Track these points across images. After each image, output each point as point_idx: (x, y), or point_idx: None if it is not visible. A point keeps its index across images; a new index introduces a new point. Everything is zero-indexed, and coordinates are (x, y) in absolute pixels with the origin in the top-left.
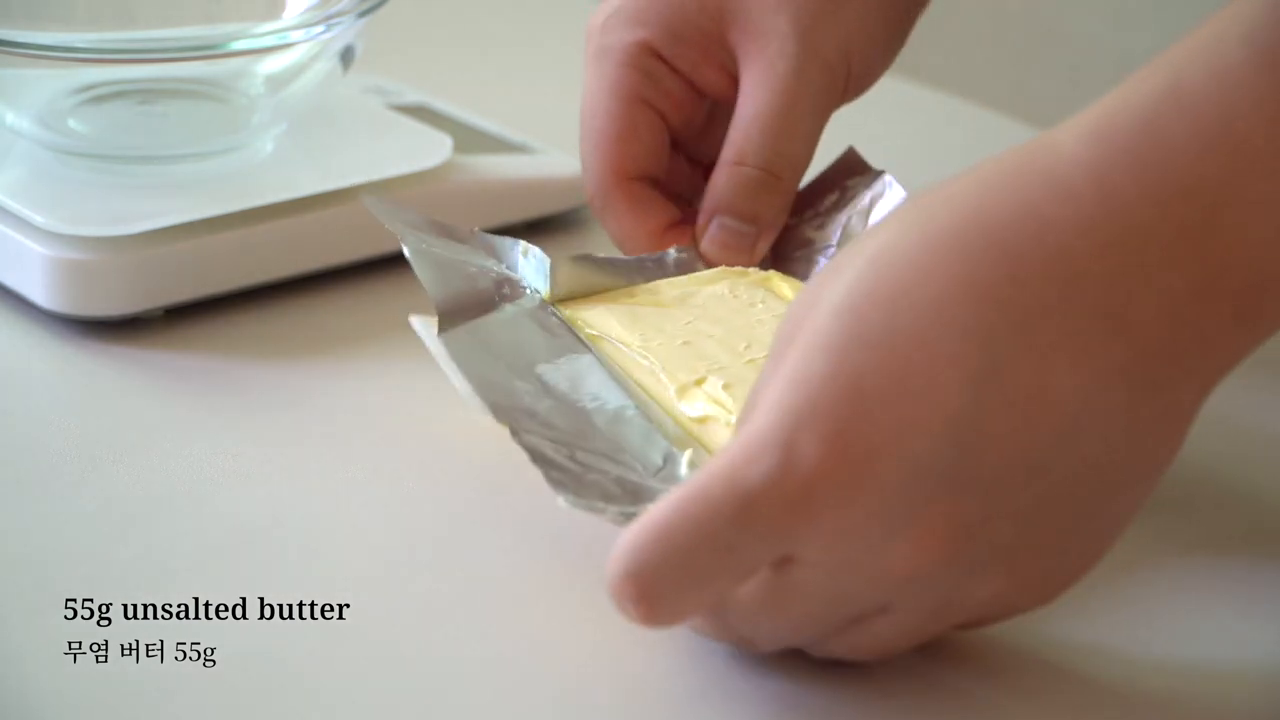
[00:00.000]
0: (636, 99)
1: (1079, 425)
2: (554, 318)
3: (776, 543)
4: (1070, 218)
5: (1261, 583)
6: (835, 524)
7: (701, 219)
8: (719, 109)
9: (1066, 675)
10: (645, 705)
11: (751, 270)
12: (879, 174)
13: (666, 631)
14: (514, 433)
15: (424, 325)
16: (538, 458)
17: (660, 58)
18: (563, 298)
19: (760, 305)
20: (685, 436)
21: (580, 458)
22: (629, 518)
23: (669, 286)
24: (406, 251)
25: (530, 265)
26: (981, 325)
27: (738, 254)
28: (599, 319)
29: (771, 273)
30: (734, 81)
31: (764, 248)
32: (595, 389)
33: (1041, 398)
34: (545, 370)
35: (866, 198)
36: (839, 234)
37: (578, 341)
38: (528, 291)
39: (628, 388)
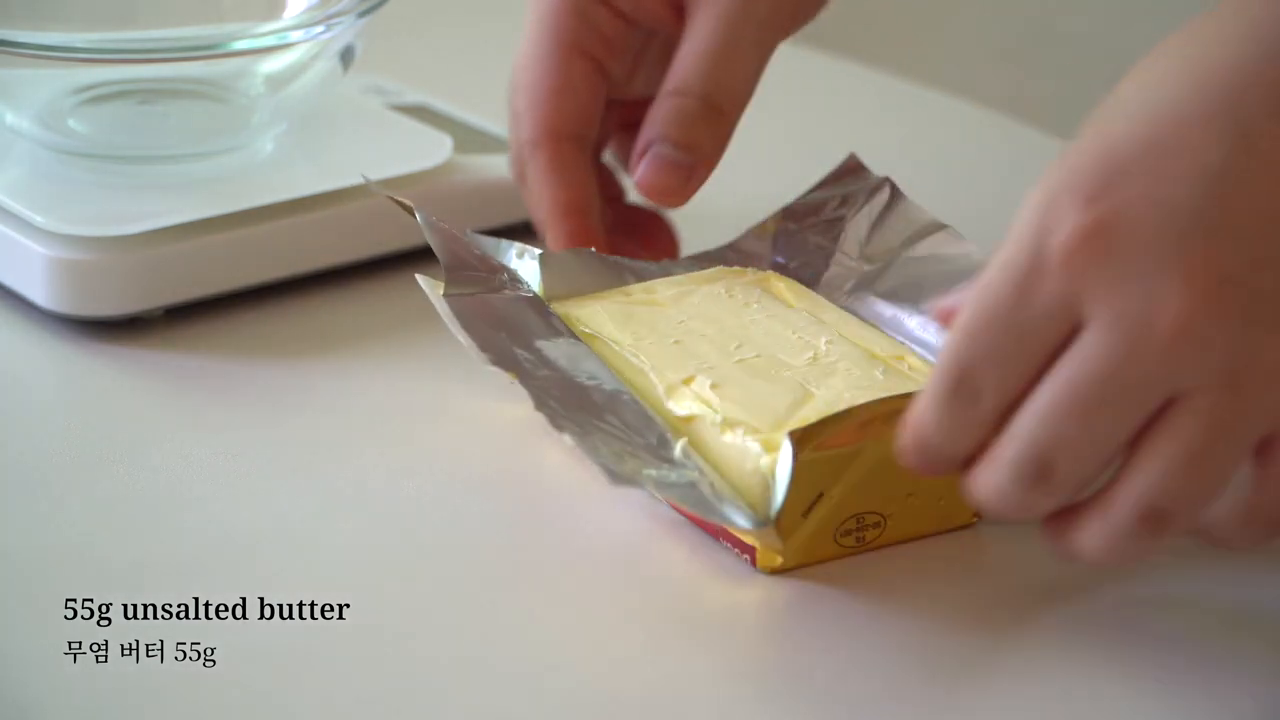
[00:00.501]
0: (574, 49)
1: None
2: (551, 315)
3: (1055, 310)
4: None
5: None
6: (1100, 277)
7: (639, 147)
8: (649, 49)
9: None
10: (646, 705)
11: (749, 270)
12: (881, 180)
13: (665, 632)
14: (521, 377)
15: (430, 285)
16: (542, 403)
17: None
18: (558, 296)
19: (755, 305)
20: (680, 430)
21: (579, 418)
22: (616, 477)
23: (665, 286)
24: (419, 219)
25: (525, 266)
26: (1234, 93)
27: (673, 183)
28: (593, 318)
29: (769, 273)
30: (676, 11)
31: (699, 181)
32: (592, 370)
33: None
34: (544, 345)
35: (869, 203)
36: (843, 239)
37: (574, 337)
38: (524, 288)
39: (623, 380)
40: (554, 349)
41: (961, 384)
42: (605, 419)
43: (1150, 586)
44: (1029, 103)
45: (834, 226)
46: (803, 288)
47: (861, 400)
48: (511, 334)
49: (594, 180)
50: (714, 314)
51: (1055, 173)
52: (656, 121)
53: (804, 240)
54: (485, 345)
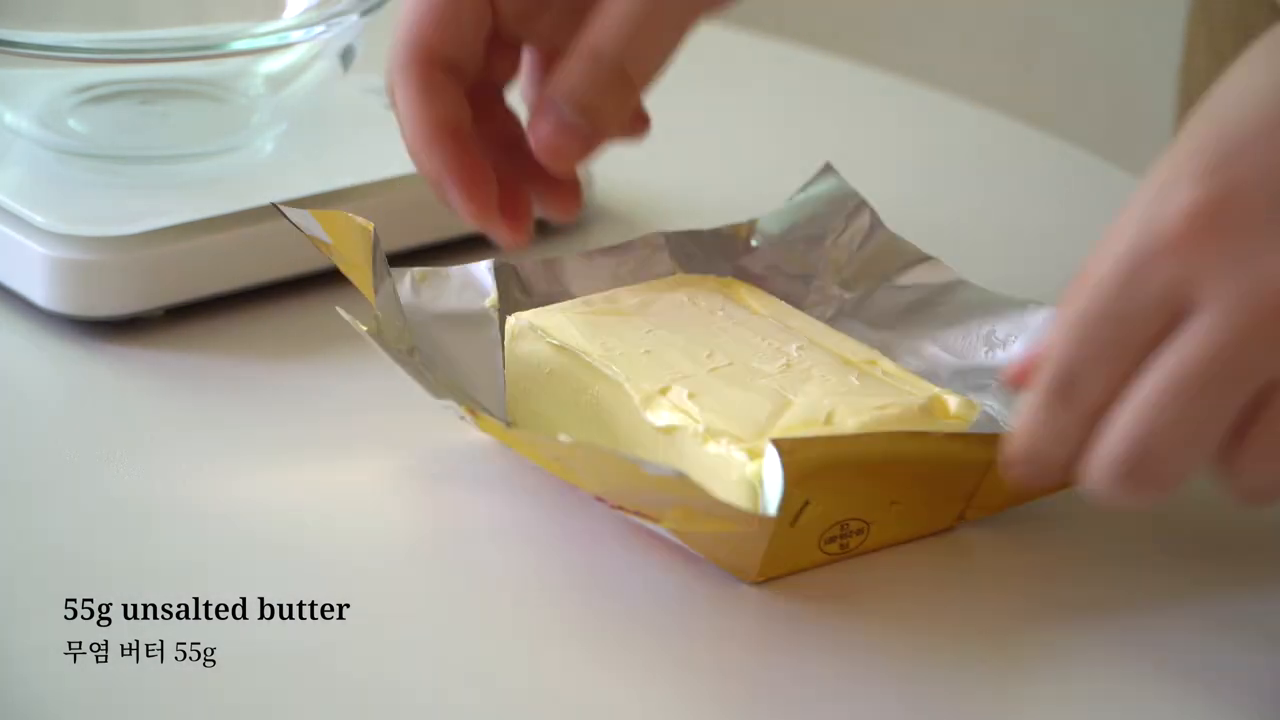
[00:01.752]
0: None
1: None
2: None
3: (1166, 295)
4: None
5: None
6: (1215, 256)
7: (541, 101)
8: None
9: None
10: (646, 704)
11: (708, 277)
12: (859, 203)
13: (665, 633)
14: (463, 405)
15: (351, 317)
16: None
17: None
18: (515, 306)
19: (721, 313)
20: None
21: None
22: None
23: (627, 294)
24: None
25: (491, 277)
26: (1224, 167)
27: (567, 147)
28: (559, 329)
29: (730, 279)
30: None
31: (593, 150)
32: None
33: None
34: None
35: (848, 229)
36: (821, 266)
37: (474, 400)
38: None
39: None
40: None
41: (1070, 386)
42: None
43: (1140, 587)
44: (1029, 103)
45: (811, 249)
46: (765, 294)
47: (841, 408)
48: (447, 370)
49: (466, 107)
50: (680, 322)
51: (1163, 162)
52: (563, 80)
53: (778, 258)
54: (423, 380)
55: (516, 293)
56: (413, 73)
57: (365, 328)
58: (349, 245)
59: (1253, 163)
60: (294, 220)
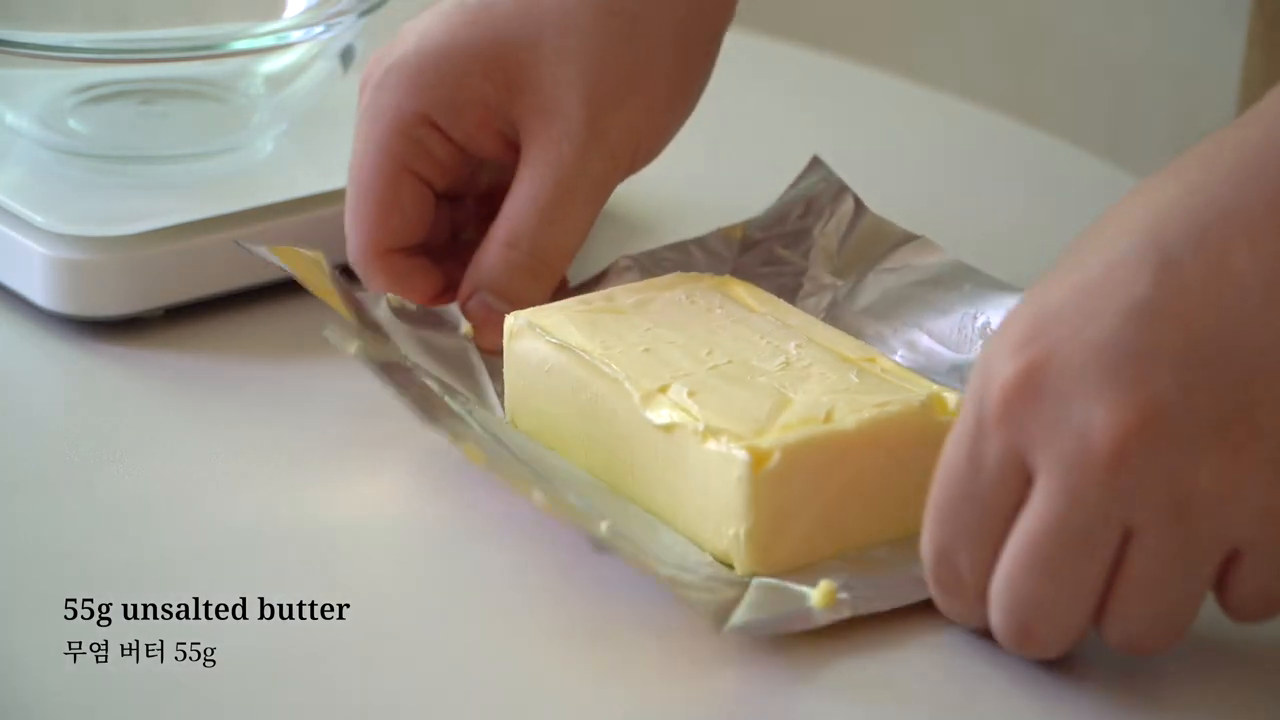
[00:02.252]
0: (403, 169)
1: (1265, 302)
2: (430, 392)
3: (1005, 468)
4: (1245, 138)
5: None
6: (1036, 422)
7: (465, 289)
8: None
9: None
10: (645, 704)
11: (705, 276)
12: (841, 187)
13: (664, 632)
14: (456, 437)
15: (339, 338)
16: (487, 448)
17: (434, 126)
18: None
19: (719, 311)
20: (602, 514)
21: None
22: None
23: (624, 293)
24: (327, 269)
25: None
26: (1156, 227)
27: (494, 327)
28: (558, 328)
29: (727, 277)
30: (511, 147)
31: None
32: (516, 437)
33: (1221, 279)
34: (462, 412)
35: (834, 215)
36: (813, 254)
37: (461, 420)
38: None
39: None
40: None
41: (943, 570)
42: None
43: None
44: (1029, 103)
45: (801, 240)
46: (762, 291)
47: (841, 406)
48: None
49: (436, 275)
50: (679, 320)
51: (991, 340)
52: (483, 269)
53: (770, 252)
54: (420, 411)
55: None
56: (377, 267)
57: (352, 349)
58: (312, 275)
59: (1062, 328)
60: (256, 255)
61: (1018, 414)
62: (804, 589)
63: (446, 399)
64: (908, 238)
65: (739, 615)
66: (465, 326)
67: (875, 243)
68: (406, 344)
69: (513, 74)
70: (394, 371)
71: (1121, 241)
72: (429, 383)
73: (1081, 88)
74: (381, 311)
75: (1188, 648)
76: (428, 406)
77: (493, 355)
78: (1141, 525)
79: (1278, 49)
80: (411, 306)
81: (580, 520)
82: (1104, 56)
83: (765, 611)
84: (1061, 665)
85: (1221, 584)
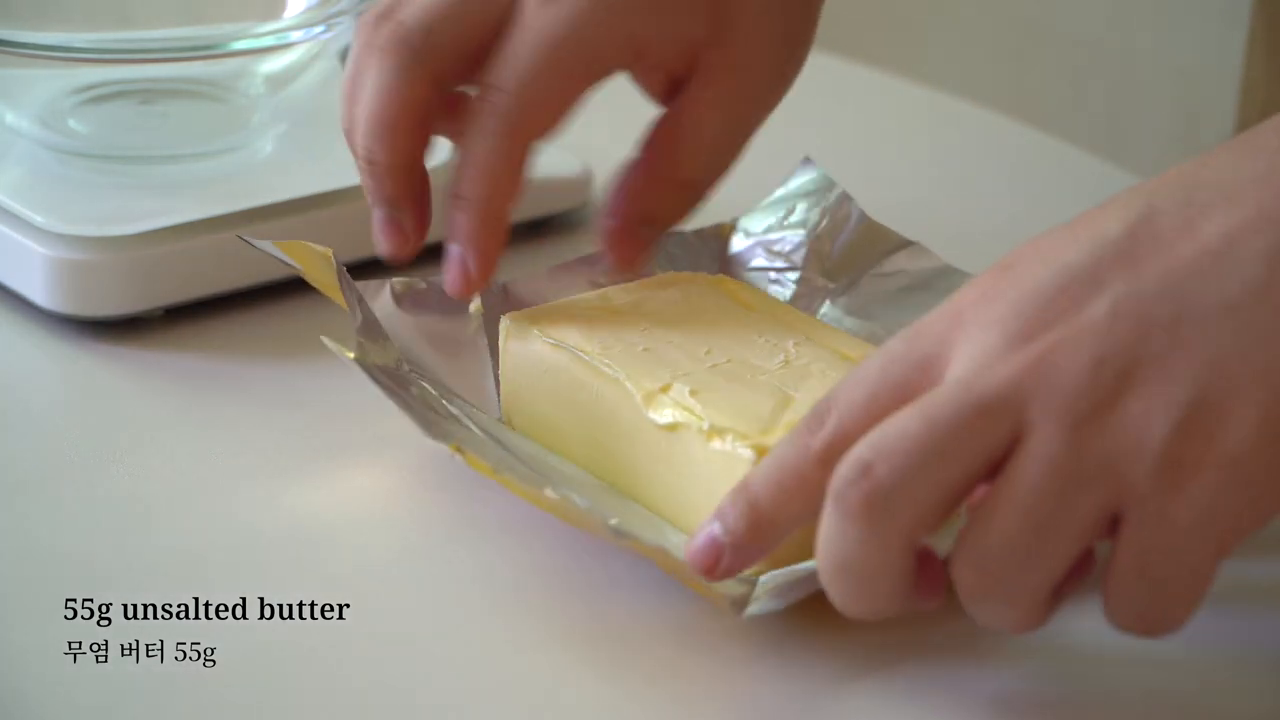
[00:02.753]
0: (582, 85)
1: (1220, 264)
2: (428, 393)
3: (938, 351)
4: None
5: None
6: (976, 323)
7: (627, 222)
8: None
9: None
10: (646, 704)
11: (699, 275)
12: (839, 194)
13: (665, 633)
14: (463, 443)
15: (337, 347)
16: (490, 455)
17: (638, 54)
18: (496, 311)
19: (715, 310)
20: (607, 514)
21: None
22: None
23: (620, 293)
24: (335, 268)
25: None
26: (1156, 187)
27: (644, 260)
28: (555, 327)
29: (722, 276)
30: (671, 81)
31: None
32: (499, 456)
33: (1189, 235)
34: (460, 414)
35: (829, 218)
36: (806, 258)
37: (460, 421)
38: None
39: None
40: (470, 420)
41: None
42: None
43: None
44: (1029, 103)
45: (793, 242)
46: (757, 290)
47: None
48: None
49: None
50: (675, 319)
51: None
52: (661, 207)
53: (760, 251)
54: (421, 420)
55: (497, 299)
56: (408, 200)
57: (351, 354)
58: (317, 271)
59: (1036, 252)
60: (261, 249)
61: (963, 322)
62: (810, 564)
63: (445, 403)
64: (903, 243)
65: (755, 605)
66: (475, 303)
67: (870, 247)
68: (407, 337)
69: (718, 8)
70: (392, 378)
71: (1119, 199)
72: (426, 385)
73: (1081, 88)
74: (382, 304)
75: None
76: (427, 415)
77: (630, 278)
78: (1033, 424)
79: (1278, 50)
80: (421, 285)
81: (590, 518)
82: (1104, 56)
83: (780, 596)
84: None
85: (1105, 569)
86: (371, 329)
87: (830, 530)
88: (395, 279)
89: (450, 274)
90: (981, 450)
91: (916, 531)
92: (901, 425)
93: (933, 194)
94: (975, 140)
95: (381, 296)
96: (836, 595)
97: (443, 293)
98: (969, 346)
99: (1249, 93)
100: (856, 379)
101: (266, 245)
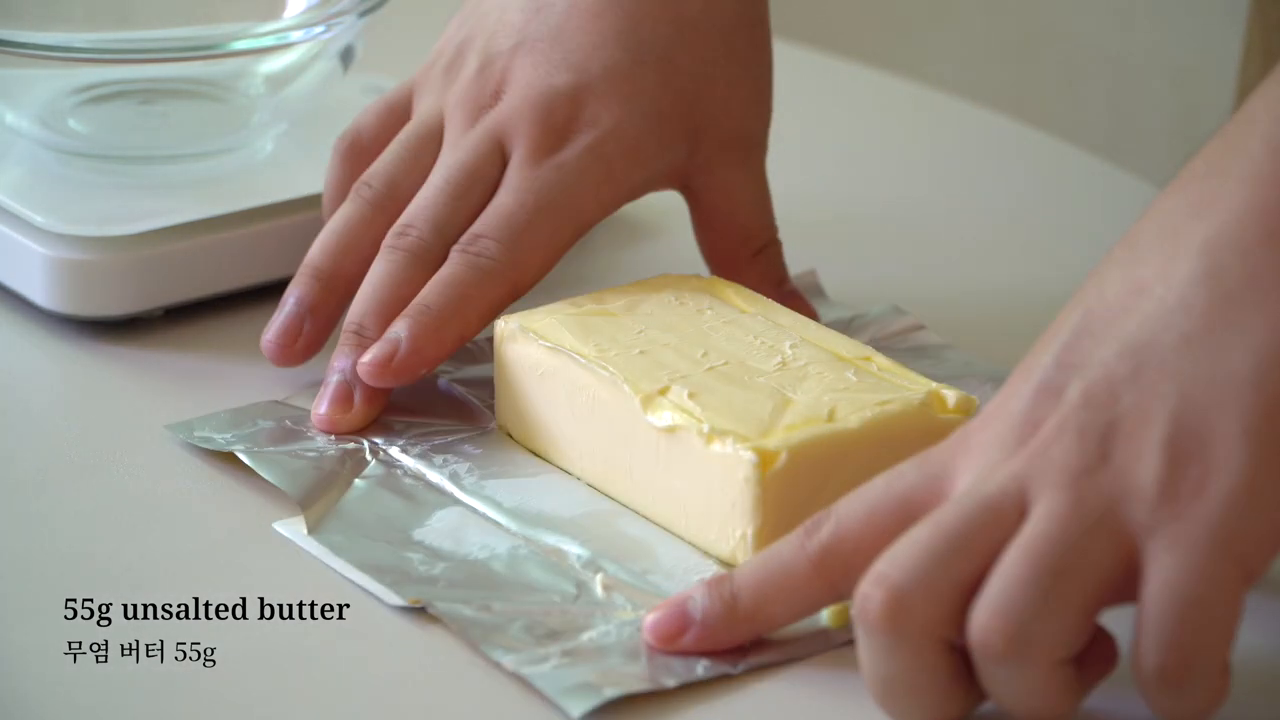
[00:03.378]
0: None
1: (1162, 304)
2: (406, 479)
3: (939, 474)
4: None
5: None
6: (978, 446)
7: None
8: None
9: None
10: (645, 704)
11: (692, 277)
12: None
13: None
14: (429, 605)
15: (292, 529)
16: (460, 623)
17: (629, 197)
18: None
19: (709, 312)
20: (592, 557)
21: (497, 608)
22: (570, 655)
23: (613, 295)
24: (244, 458)
25: None
26: (1099, 271)
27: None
28: (550, 331)
29: (714, 278)
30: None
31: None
32: (479, 539)
33: (1130, 294)
34: (423, 534)
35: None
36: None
37: (439, 495)
38: (369, 460)
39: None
40: (433, 534)
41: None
42: (512, 592)
43: None
44: (1029, 103)
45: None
46: (750, 292)
47: (843, 405)
48: (389, 537)
49: None
50: (671, 322)
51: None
52: (754, 274)
53: None
54: (378, 574)
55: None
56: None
57: (306, 528)
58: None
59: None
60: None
61: (966, 443)
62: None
63: (423, 472)
64: (915, 326)
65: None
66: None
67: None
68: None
69: (697, 121)
70: (353, 521)
71: (1071, 305)
72: (404, 458)
73: (1081, 88)
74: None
75: None
76: (397, 567)
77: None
78: (1035, 500)
79: (1275, 53)
80: None
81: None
82: (1104, 56)
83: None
84: None
85: (1132, 648)
86: (309, 471)
87: (865, 651)
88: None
89: (374, 355)
90: (991, 540)
91: (942, 629)
92: (913, 535)
93: (932, 194)
94: (975, 140)
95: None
96: (895, 715)
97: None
98: (971, 464)
99: (1246, 95)
100: (859, 493)
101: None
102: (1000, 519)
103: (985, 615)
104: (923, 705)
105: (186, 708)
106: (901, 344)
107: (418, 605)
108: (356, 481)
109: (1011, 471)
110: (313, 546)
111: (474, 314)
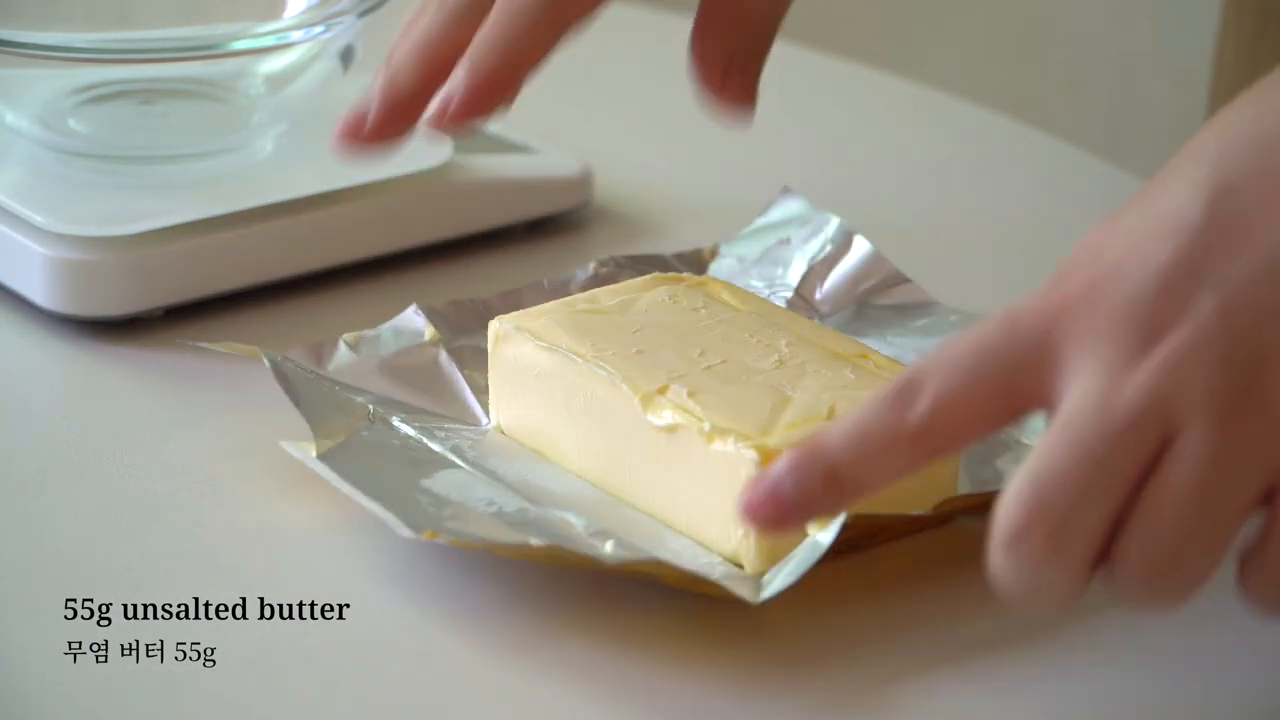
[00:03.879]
0: None
1: None
2: (410, 443)
3: (1042, 355)
4: None
5: None
6: (1085, 334)
7: (712, 70)
8: None
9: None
10: (643, 703)
11: (685, 276)
12: (828, 219)
13: (665, 631)
14: (443, 537)
15: (301, 450)
16: (476, 540)
17: None
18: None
19: (704, 311)
20: (600, 529)
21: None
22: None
23: (606, 295)
24: (266, 362)
25: (422, 317)
26: (1222, 155)
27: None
28: (546, 331)
29: (707, 277)
30: None
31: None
32: (486, 494)
33: (1272, 208)
34: (429, 484)
35: (819, 246)
36: (799, 286)
37: (443, 460)
38: (372, 420)
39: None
40: (439, 485)
41: (1053, 537)
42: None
43: None
44: (1029, 103)
45: (782, 272)
46: (743, 290)
47: (842, 402)
48: (395, 481)
49: None
50: (666, 322)
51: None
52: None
53: (753, 277)
54: (388, 502)
55: (446, 329)
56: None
57: (316, 453)
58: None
59: (1125, 246)
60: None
61: (1068, 318)
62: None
63: (425, 441)
64: (899, 279)
65: (768, 590)
66: (431, 332)
67: (863, 279)
68: (374, 381)
69: None
70: (363, 452)
71: (1188, 170)
72: (406, 428)
73: (1081, 88)
74: (340, 359)
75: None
76: (406, 503)
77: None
78: (1181, 426)
79: (1248, 46)
80: (370, 333)
81: (582, 559)
82: (1104, 56)
83: (792, 574)
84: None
85: (1248, 548)
86: (326, 402)
87: (1010, 575)
88: (345, 334)
89: (431, 108)
90: (1135, 464)
91: (1094, 555)
92: (1056, 464)
93: (932, 194)
94: (975, 140)
95: (338, 353)
96: (1020, 607)
97: (395, 331)
98: (1085, 361)
99: (1219, 79)
100: (950, 362)
101: (203, 344)
102: (1142, 441)
103: (1140, 554)
104: (1054, 604)
105: (186, 708)
106: (885, 299)
107: (433, 539)
108: (362, 432)
109: (1146, 387)
110: (318, 467)
111: (536, 46)
